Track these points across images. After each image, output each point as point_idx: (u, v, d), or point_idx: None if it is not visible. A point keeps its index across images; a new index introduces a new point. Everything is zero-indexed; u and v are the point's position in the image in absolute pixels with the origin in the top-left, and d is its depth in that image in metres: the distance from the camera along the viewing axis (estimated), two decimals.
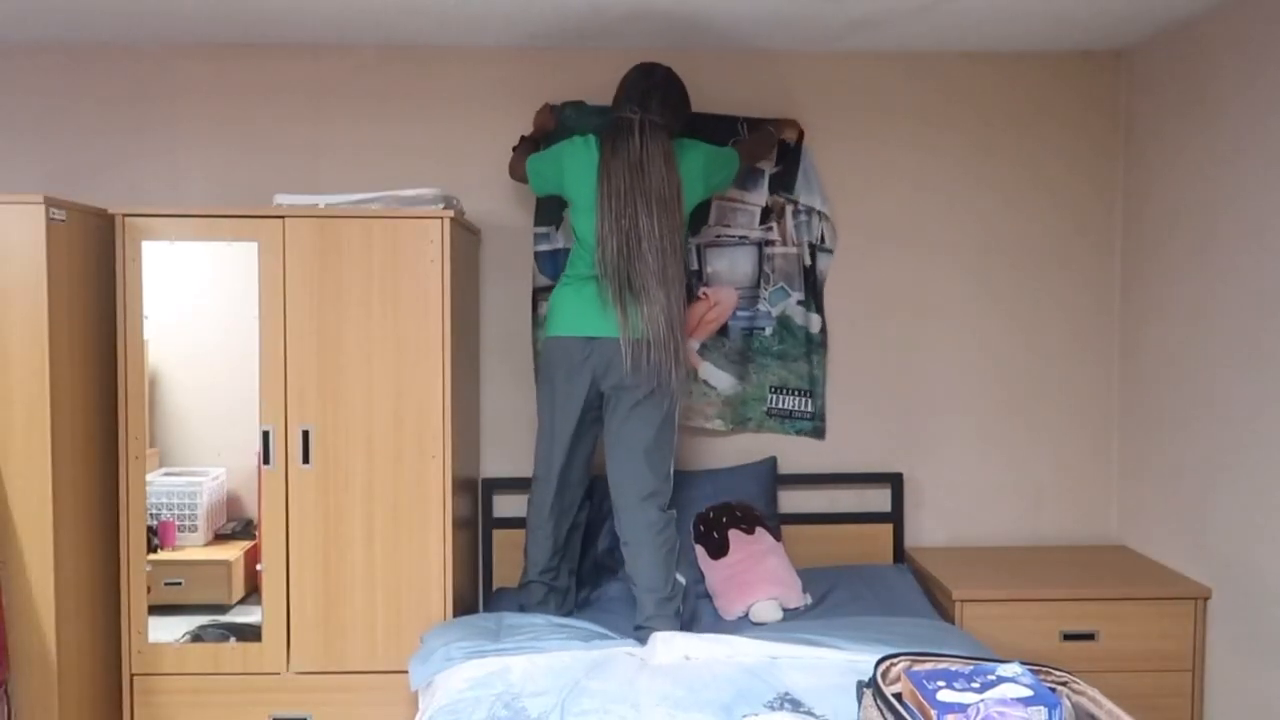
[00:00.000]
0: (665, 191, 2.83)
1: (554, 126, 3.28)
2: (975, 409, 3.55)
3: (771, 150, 3.39)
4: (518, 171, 3.18)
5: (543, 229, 3.42)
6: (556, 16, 3.06)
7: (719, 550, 3.15)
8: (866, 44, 3.37)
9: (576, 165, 2.95)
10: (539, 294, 3.42)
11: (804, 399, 3.46)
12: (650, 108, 2.90)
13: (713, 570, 3.14)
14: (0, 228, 2.58)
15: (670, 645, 2.63)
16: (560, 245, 3.40)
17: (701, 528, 3.23)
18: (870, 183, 3.49)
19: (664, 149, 2.87)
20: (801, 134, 3.40)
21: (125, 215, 2.84)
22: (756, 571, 3.06)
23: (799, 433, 3.48)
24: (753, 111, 3.42)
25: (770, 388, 3.48)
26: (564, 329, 2.95)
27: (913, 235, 3.51)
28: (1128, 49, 3.46)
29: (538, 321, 3.41)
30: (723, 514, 3.23)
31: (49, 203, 2.59)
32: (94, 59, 3.36)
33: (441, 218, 2.85)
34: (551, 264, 3.39)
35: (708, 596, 3.12)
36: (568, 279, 3.02)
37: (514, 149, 3.28)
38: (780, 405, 3.47)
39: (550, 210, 3.40)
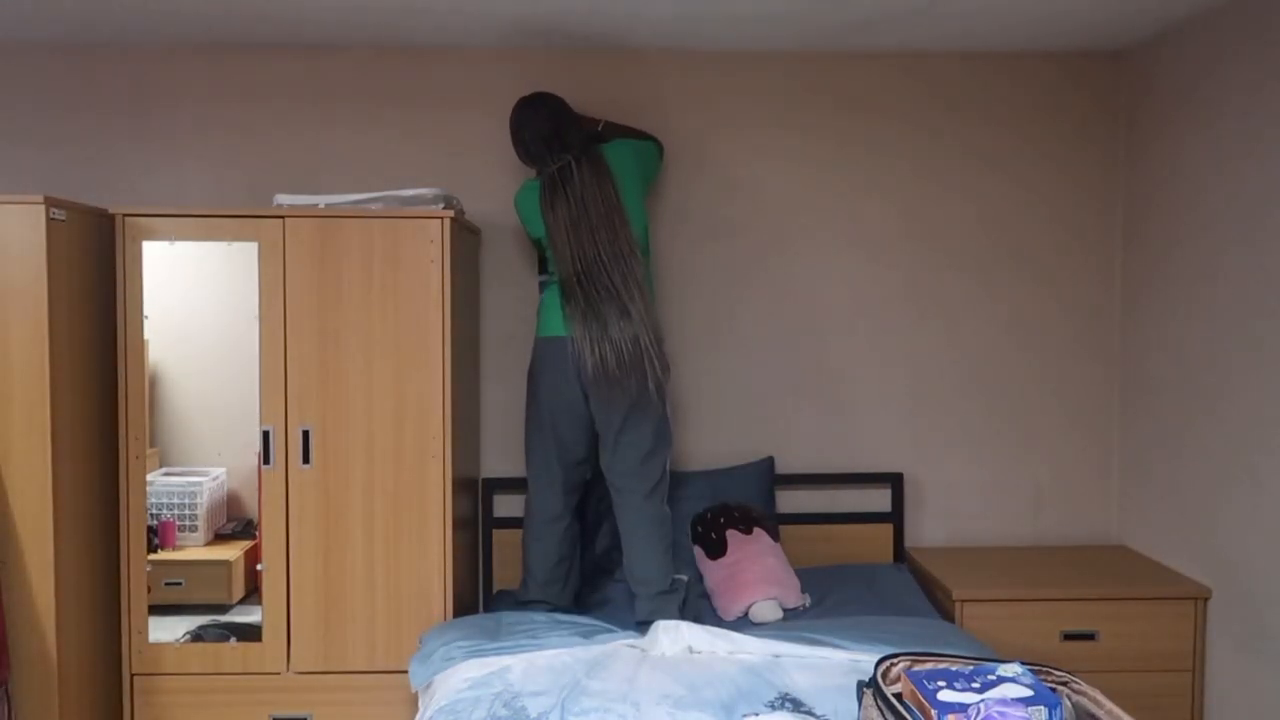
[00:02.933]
0: (609, 214, 2.87)
1: None
2: (976, 409, 3.55)
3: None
4: None
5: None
6: (557, 16, 3.06)
7: (717, 551, 3.15)
8: (866, 45, 3.37)
9: (530, 209, 3.01)
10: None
11: None
12: (568, 146, 2.93)
13: (710, 571, 3.14)
14: (0, 228, 2.58)
15: (674, 634, 2.63)
16: None
17: (699, 528, 3.23)
18: (870, 184, 3.49)
19: (597, 172, 2.90)
20: None
21: (125, 215, 2.84)
22: (754, 571, 3.06)
23: None
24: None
25: None
26: (551, 329, 2.93)
27: (913, 236, 3.51)
28: (1128, 49, 3.45)
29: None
30: (720, 514, 3.22)
31: (49, 203, 2.59)
32: (94, 59, 3.36)
33: (441, 218, 2.85)
34: None
35: (706, 597, 3.12)
36: (552, 281, 3.01)
37: None
38: None
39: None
